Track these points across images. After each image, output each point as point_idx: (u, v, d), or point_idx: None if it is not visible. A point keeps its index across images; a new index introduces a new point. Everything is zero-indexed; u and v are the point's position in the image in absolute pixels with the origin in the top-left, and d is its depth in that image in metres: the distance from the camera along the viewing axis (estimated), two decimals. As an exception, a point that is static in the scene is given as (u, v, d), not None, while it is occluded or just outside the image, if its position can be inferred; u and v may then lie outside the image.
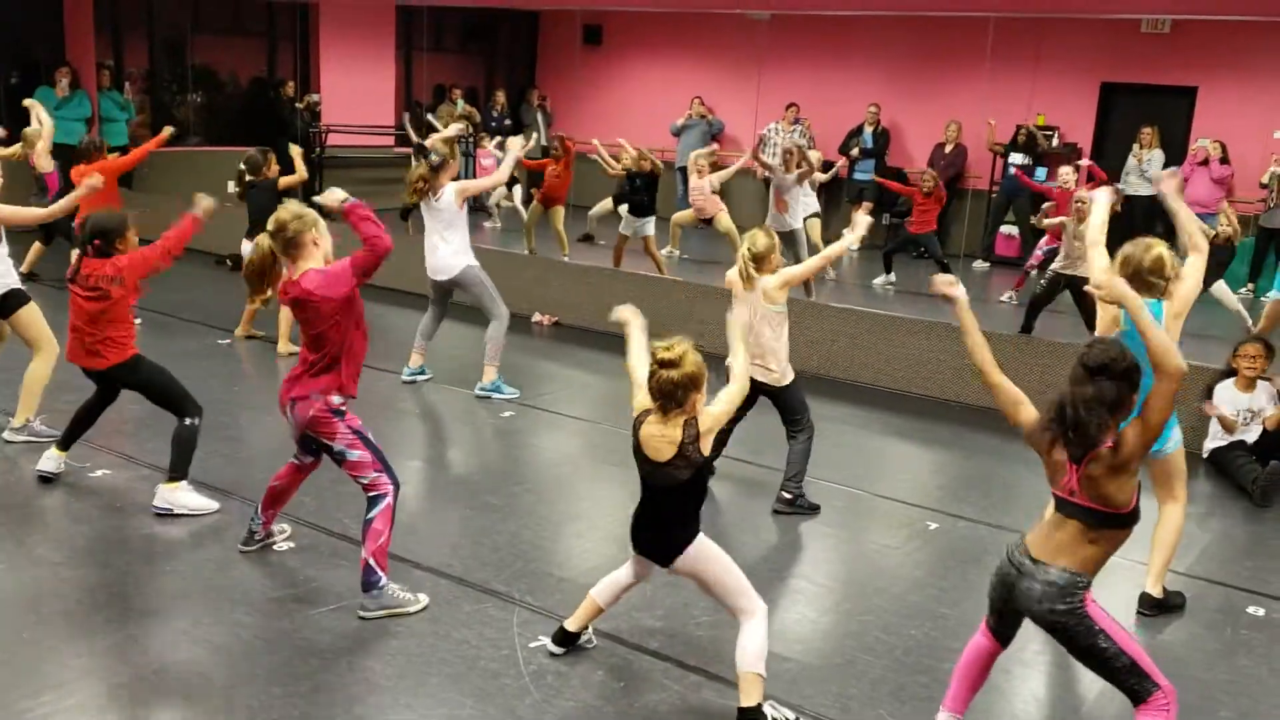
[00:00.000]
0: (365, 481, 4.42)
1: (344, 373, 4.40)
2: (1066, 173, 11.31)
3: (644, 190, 11.09)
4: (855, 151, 14.59)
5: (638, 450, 3.80)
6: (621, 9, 15.98)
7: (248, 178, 8.36)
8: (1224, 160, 12.51)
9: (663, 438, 3.71)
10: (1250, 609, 4.87)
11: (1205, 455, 6.74)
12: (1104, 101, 13.73)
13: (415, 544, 5.04)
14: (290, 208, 4.47)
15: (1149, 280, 4.65)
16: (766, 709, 3.70)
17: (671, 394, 3.68)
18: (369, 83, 15.86)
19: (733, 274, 5.70)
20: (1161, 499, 4.86)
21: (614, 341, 9.11)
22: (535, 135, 16.46)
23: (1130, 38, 13.15)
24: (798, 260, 10.06)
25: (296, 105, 15.12)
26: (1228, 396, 6.70)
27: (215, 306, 9.07)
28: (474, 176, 16.26)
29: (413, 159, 7.08)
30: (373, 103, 15.90)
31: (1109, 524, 3.26)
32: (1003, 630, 3.58)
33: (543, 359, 8.80)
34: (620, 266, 10.92)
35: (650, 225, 11.14)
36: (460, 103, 16.41)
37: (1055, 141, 13.74)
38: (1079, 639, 3.30)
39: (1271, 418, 6.52)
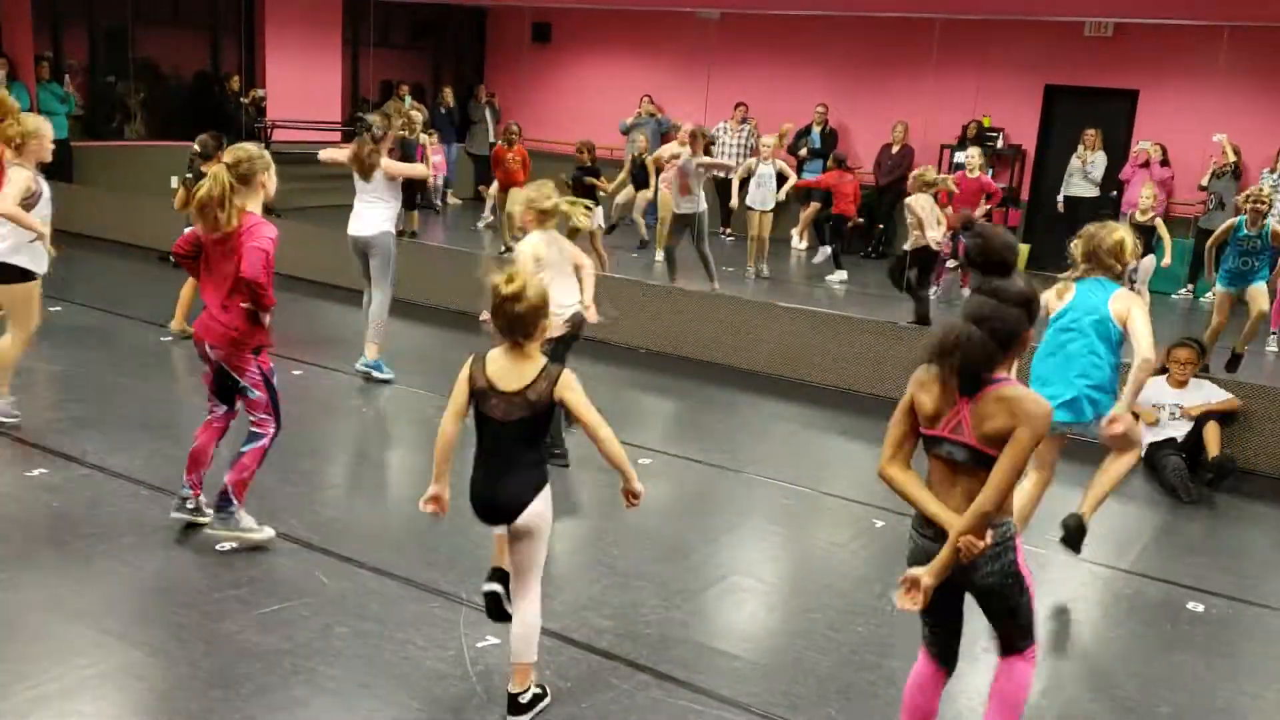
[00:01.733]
0: (253, 419, 4.82)
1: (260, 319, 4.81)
2: (973, 155, 11.52)
3: (582, 183, 11.06)
4: (804, 152, 14.67)
5: (479, 390, 3.58)
6: (571, 6, 15.94)
7: (200, 165, 8.18)
8: (1164, 162, 12.73)
9: (513, 370, 3.57)
10: (1190, 605, 4.95)
11: (1143, 452, 6.86)
12: (1048, 103, 13.91)
13: (360, 544, 4.98)
14: (249, 146, 4.88)
15: (1105, 261, 4.88)
16: (533, 689, 3.73)
17: (518, 324, 3.55)
18: (315, 78, 15.67)
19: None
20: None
21: (582, 345, 9.09)
22: (486, 132, 16.44)
23: (1074, 41, 13.33)
24: (700, 244, 10.43)
25: (242, 100, 14.92)
26: (1153, 393, 6.88)
27: (157, 304, 8.91)
28: (421, 174, 16.20)
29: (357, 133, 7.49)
30: (319, 98, 15.72)
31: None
32: (944, 642, 3.32)
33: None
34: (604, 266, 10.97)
35: (594, 218, 11.05)
36: (408, 99, 16.29)
37: (1000, 143, 13.90)
38: (1010, 597, 3.16)
39: (1195, 407, 6.70)
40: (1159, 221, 10.93)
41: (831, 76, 14.94)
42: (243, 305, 4.73)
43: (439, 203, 16.14)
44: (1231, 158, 12.11)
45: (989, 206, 11.73)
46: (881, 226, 14.35)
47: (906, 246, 9.72)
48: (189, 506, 4.98)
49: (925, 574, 3.03)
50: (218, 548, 4.84)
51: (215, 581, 4.55)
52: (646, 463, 6.33)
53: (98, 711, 3.64)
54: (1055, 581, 5.16)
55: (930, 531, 3.13)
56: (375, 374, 7.52)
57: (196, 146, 8.33)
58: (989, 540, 3.02)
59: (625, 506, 3.78)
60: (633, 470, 3.72)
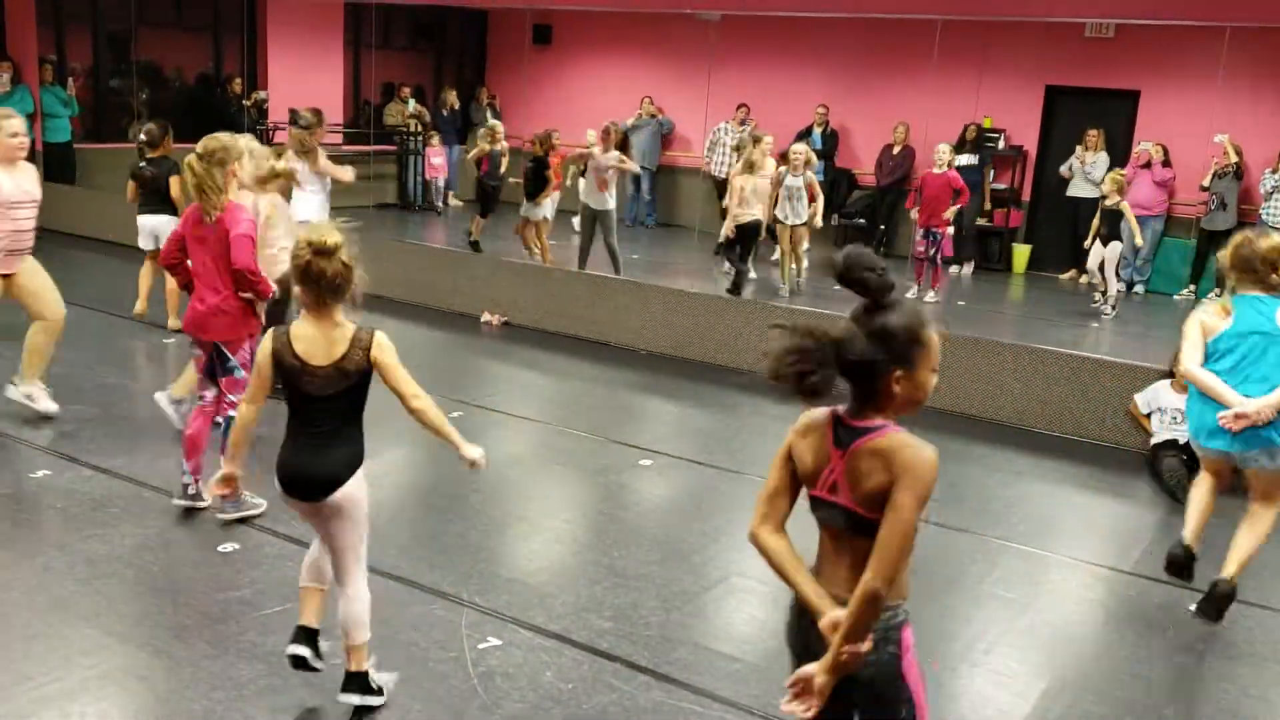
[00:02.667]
0: (232, 398, 5.02)
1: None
2: (942, 150, 11.48)
3: (533, 174, 11.15)
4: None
5: (289, 367, 3.40)
6: (572, 8, 15.95)
7: (148, 154, 8.43)
8: (1166, 163, 12.72)
9: (323, 342, 3.40)
10: (1193, 607, 4.94)
11: (1148, 453, 6.86)
12: (1049, 104, 13.91)
13: (362, 546, 4.99)
14: (221, 136, 5.08)
15: (1260, 271, 4.50)
16: (371, 675, 3.69)
17: (327, 284, 3.34)
18: (317, 80, 15.68)
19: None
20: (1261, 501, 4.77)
21: (563, 341, 9.13)
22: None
23: (1075, 42, 13.33)
24: (608, 238, 10.65)
25: (244, 102, 14.94)
26: (1149, 396, 6.91)
27: (160, 306, 8.92)
28: (424, 174, 16.25)
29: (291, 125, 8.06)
30: (321, 100, 15.61)
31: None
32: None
33: (491, 359, 8.76)
34: (534, 255, 11.14)
35: (540, 210, 11.17)
36: (411, 101, 16.31)
37: (1002, 144, 13.91)
38: (886, 706, 2.58)
39: None
40: (1125, 205, 10.99)
41: (832, 77, 14.95)
42: (241, 296, 5.01)
43: (440, 204, 16.16)
44: (1233, 158, 12.11)
45: (958, 206, 11.68)
46: (883, 227, 14.34)
47: (734, 222, 10.53)
48: (190, 493, 5.17)
49: (819, 671, 2.46)
50: (220, 549, 4.85)
51: (218, 583, 4.56)
52: (647, 464, 6.34)
53: (100, 713, 3.65)
54: (1056, 584, 5.17)
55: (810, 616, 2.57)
56: None
57: (143, 136, 8.55)
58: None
59: (468, 468, 3.59)
60: (459, 436, 3.53)
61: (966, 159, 13.58)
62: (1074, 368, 7.41)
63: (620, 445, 6.61)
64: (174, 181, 8.25)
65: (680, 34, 15.62)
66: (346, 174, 8.41)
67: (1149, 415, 6.94)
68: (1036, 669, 4.34)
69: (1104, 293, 11.48)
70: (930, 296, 11.34)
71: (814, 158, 11.81)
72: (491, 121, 11.72)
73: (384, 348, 3.46)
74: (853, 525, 2.53)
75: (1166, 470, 6.45)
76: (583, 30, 16.81)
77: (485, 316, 9.65)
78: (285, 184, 6.38)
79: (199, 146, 5.02)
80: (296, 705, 3.73)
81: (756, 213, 10.57)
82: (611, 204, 10.79)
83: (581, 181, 11.68)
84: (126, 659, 3.94)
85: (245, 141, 5.38)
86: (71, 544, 4.85)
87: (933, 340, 2.48)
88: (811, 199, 11.34)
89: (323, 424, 3.46)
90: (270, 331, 3.48)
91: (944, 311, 10.93)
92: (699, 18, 15.32)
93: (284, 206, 6.33)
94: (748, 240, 10.66)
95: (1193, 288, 12.74)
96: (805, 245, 11.73)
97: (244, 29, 15.29)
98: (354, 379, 3.42)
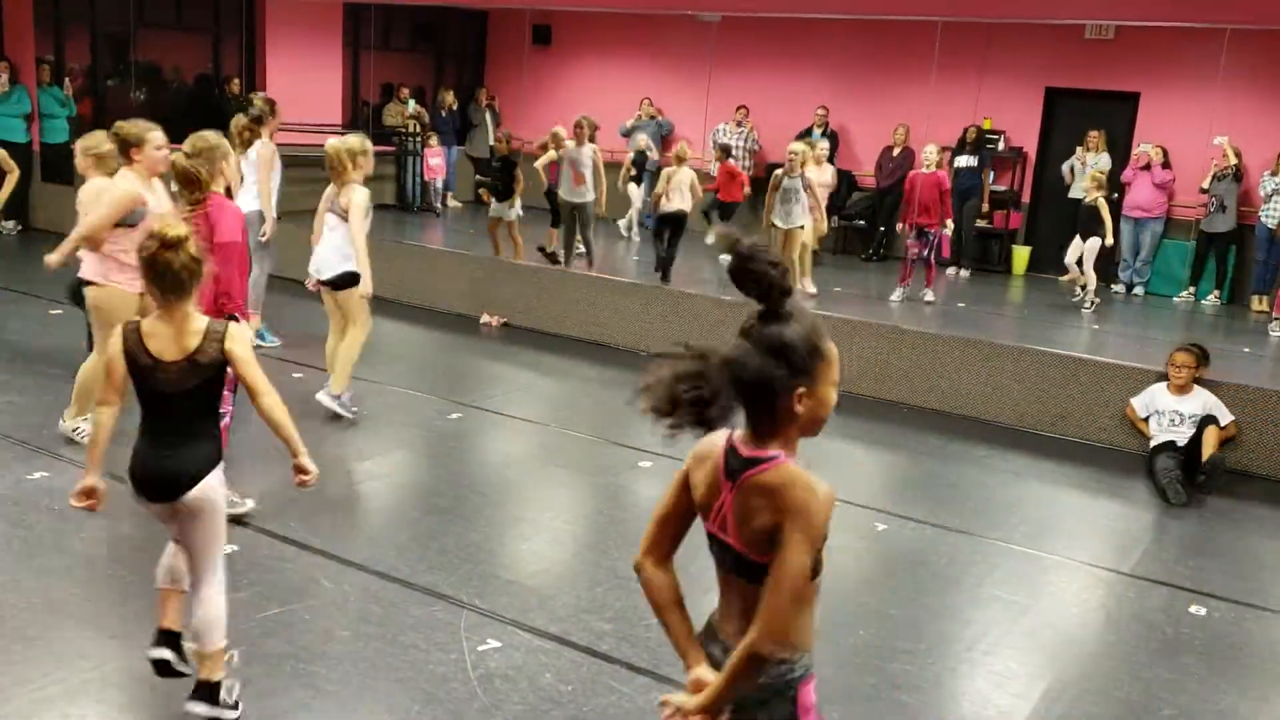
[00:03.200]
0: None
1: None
2: (930, 151, 11.33)
3: (501, 174, 11.20)
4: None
5: (143, 366, 3.28)
6: (571, 9, 15.95)
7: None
8: (1166, 165, 12.72)
9: (175, 337, 3.29)
10: (1192, 608, 4.95)
11: (1147, 455, 6.86)
12: (1049, 106, 13.91)
13: (361, 547, 4.98)
14: (208, 134, 5.17)
15: None
16: (225, 687, 3.53)
17: (173, 279, 3.22)
18: (316, 81, 15.67)
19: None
20: None
21: (562, 343, 9.13)
22: (486, 135, 16.44)
23: (1075, 43, 13.33)
24: (585, 231, 10.95)
25: (244, 103, 14.93)
26: (1146, 400, 6.92)
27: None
28: (422, 175, 16.23)
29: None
30: (320, 101, 15.71)
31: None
32: None
33: (491, 360, 8.75)
34: (500, 253, 11.17)
35: (508, 210, 11.20)
36: (411, 102, 16.30)
37: (1001, 145, 13.91)
38: None
39: (1211, 437, 6.57)
40: (1101, 201, 11.01)
41: (832, 79, 14.94)
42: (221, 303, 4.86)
43: (439, 206, 16.15)
44: (1233, 160, 12.11)
45: (948, 219, 11.62)
46: (883, 229, 14.35)
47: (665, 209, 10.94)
48: None
49: (691, 703, 2.25)
50: (219, 551, 4.84)
51: (216, 585, 4.55)
52: (647, 465, 6.34)
53: (100, 714, 3.64)
54: (1056, 586, 5.16)
55: (717, 648, 2.31)
56: (259, 343, 7.83)
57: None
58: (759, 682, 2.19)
59: (295, 484, 3.51)
60: (301, 443, 3.47)
61: (966, 161, 13.59)
62: (1073, 370, 7.41)
63: (620, 447, 6.61)
64: None
65: (680, 35, 15.63)
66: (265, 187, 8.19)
67: (1147, 419, 6.94)
68: (1037, 670, 4.34)
69: (1084, 287, 11.49)
70: (928, 296, 11.30)
71: (809, 157, 11.30)
72: (557, 128, 11.68)
73: (237, 339, 3.35)
74: (740, 568, 2.22)
75: (1160, 470, 6.46)
76: (582, 31, 16.81)
77: (485, 318, 9.65)
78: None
79: (185, 144, 5.09)
80: (296, 706, 3.72)
81: (677, 203, 10.86)
82: (589, 196, 10.94)
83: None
84: (125, 660, 3.93)
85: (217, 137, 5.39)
86: (70, 546, 4.84)
87: (833, 351, 2.22)
88: (813, 204, 10.94)
89: (177, 421, 3.37)
90: (120, 328, 3.34)
91: (941, 313, 10.93)
92: (699, 19, 15.33)
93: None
94: (674, 228, 10.97)
95: (1192, 290, 12.74)
96: (800, 250, 11.03)
97: (243, 30, 15.28)
98: (208, 373, 3.34)
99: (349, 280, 6.48)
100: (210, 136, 5.20)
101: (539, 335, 9.35)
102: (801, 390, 2.17)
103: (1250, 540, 6.03)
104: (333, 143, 6.61)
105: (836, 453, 7.17)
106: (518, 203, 11.20)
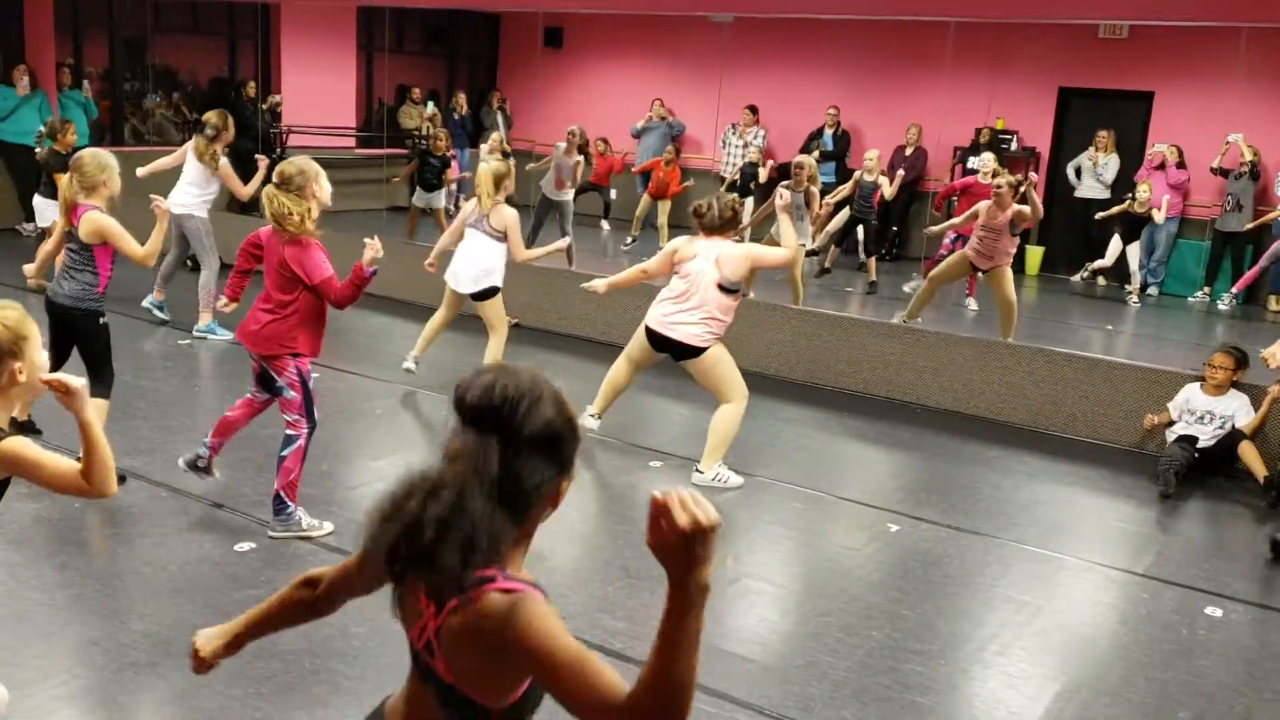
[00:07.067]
0: (288, 419, 4.99)
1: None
2: (987, 159, 11.28)
3: (436, 168, 12.57)
4: (815, 154, 14.66)
5: None
6: (583, 11, 15.98)
7: (49, 144, 9.40)
8: (1180, 165, 12.69)
9: None
10: (1208, 610, 4.93)
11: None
12: (1062, 106, 13.88)
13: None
14: (297, 161, 5.00)
15: None
16: None
17: None
18: (330, 83, 15.75)
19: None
20: None
21: (575, 344, 9.15)
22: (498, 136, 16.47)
23: (1088, 43, 13.30)
24: (564, 223, 11.58)
25: (260, 106, 15.00)
26: (1184, 398, 6.88)
27: (178, 308, 8.96)
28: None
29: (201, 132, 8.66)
30: (334, 103, 15.80)
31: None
32: None
33: (503, 360, 8.77)
34: (413, 238, 12.03)
35: (440, 199, 12.63)
36: (429, 104, 16.33)
37: (1014, 145, 13.89)
38: None
39: (1247, 424, 6.61)
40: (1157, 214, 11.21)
41: (844, 79, 14.94)
42: (289, 318, 4.93)
43: (451, 208, 16.19)
44: (1249, 158, 12.07)
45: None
46: (895, 229, 14.33)
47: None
48: (199, 465, 5.29)
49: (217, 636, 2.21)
50: (237, 549, 4.88)
51: (235, 582, 4.59)
52: (658, 465, 6.36)
53: (120, 709, 3.68)
54: (1070, 587, 5.16)
55: None
56: (211, 336, 8.53)
57: (42, 129, 9.70)
58: None
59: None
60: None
61: (977, 161, 13.57)
62: (1087, 370, 7.40)
63: (631, 446, 6.63)
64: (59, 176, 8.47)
65: (692, 36, 15.64)
66: (244, 191, 8.73)
67: (1178, 419, 6.90)
68: (1050, 671, 4.34)
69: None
70: (972, 306, 11.23)
71: (814, 168, 10.46)
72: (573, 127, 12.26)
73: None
74: (450, 701, 1.84)
75: (1165, 455, 6.49)
76: (594, 33, 16.84)
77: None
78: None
79: (275, 175, 4.95)
80: (312, 703, 3.75)
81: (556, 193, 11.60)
82: (567, 195, 11.68)
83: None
84: (145, 656, 3.97)
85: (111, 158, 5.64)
86: (90, 542, 4.89)
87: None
88: (812, 218, 10.28)
89: None
90: None
91: (955, 313, 10.92)
92: (710, 20, 15.33)
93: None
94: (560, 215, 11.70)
95: (1207, 290, 12.70)
96: (802, 265, 10.38)
97: (258, 34, 15.36)
98: None
99: (489, 293, 7.25)
100: (300, 162, 5.01)
101: (551, 335, 9.38)
102: (567, 484, 1.90)
103: (1267, 543, 6.00)
104: (483, 168, 7.27)
105: (850, 453, 7.18)
106: (440, 193, 12.69)
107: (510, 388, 1.75)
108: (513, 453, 1.74)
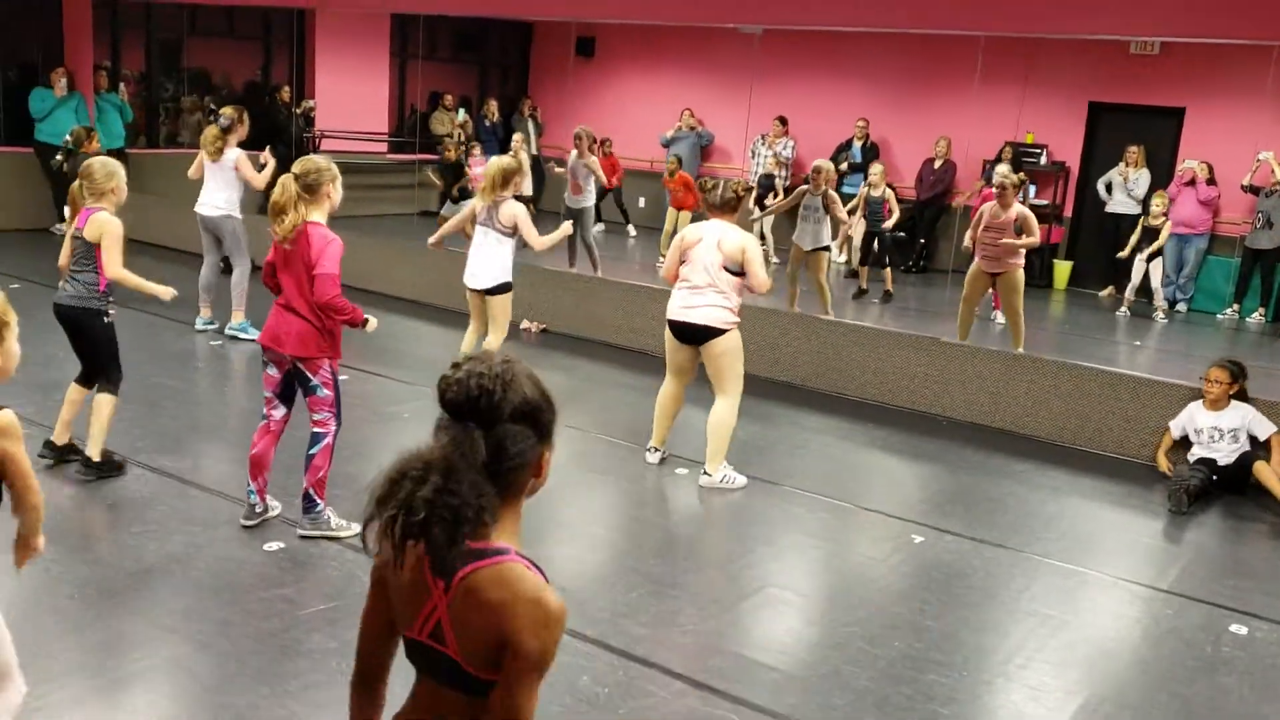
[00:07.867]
0: (317, 417, 5.00)
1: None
2: (1001, 172, 11.13)
3: (455, 178, 12.87)
4: (844, 166, 14.67)
5: None
6: (615, 21, 16.05)
7: (70, 148, 9.52)
8: (1211, 181, 12.63)
9: None
10: (1233, 627, 4.91)
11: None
12: (1092, 121, 13.85)
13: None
14: (316, 159, 5.09)
15: None
16: None
17: None
18: (363, 89, 15.90)
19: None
20: None
21: (600, 349, 9.19)
22: (528, 144, 16.56)
23: (1119, 58, 13.27)
24: (585, 235, 11.35)
25: (294, 111, 15.14)
26: (1187, 416, 6.88)
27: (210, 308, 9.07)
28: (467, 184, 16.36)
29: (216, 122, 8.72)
30: (367, 109, 15.94)
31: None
32: None
33: (529, 365, 8.80)
34: (441, 246, 11.47)
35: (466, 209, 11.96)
36: (461, 110, 16.44)
37: (1044, 159, 13.85)
38: None
39: (1270, 477, 6.50)
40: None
41: (874, 91, 14.95)
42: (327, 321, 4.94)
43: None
44: (1279, 175, 11.99)
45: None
46: (923, 241, 14.32)
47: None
48: (257, 512, 5.17)
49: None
50: (265, 548, 4.94)
51: (263, 581, 4.65)
52: (683, 473, 6.38)
53: (149, 704, 3.74)
54: (1094, 601, 5.15)
55: None
56: (242, 335, 8.62)
57: (68, 138, 9.72)
58: None
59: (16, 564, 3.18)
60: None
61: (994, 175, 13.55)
62: (1114, 385, 7.38)
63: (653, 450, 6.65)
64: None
65: (722, 47, 15.69)
66: (258, 180, 8.74)
67: (1180, 441, 6.91)
68: (1073, 685, 4.34)
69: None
70: (1000, 319, 11.15)
71: (832, 172, 10.55)
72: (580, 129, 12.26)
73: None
74: (462, 685, 1.91)
75: (1175, 474, 6.48)
76: (625, 43, 16.92)
77: (524, 324, 9.73)
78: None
79: (295, 166, 5.03)
80: (338, 701, 3.79)
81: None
82: (587, 203, 11.47)
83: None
84: (174, 652, 4.03)
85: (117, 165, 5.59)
86: (121, 540, 4.96)
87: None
88: (835, 223, 10.18)
89: None
90: None
91: (981, 327, 10.89)
92: (741, 31, 15.36)
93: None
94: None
95: (1236, 307, 12.62)
96: (827, 270, 10.44)
97: (293, 39, 15.52)
98: None
99: (502, 289, 7.25)
100: (319, 160, 5.11)
101: (576, 341, 9.42)
102: (548, 453, 2.04)
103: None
104: (494, 161, 7.33)
105: (874, 464, 7.18)
106: (464, 204, 12.16)
107: (485, 377, 1.92)
108: (497, 432, 1.90)
